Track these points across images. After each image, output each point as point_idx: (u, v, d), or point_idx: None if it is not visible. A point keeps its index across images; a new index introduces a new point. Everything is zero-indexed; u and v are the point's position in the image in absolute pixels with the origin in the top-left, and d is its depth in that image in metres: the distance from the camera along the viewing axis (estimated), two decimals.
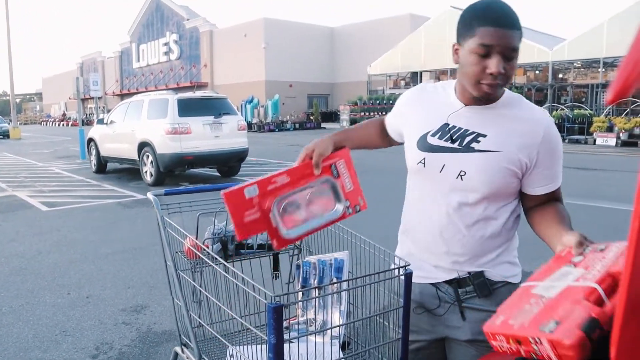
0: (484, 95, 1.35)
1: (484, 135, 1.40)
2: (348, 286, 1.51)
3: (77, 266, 4.98)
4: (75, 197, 8.97)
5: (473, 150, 1.40)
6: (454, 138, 1.43)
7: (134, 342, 3.35)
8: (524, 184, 1.44)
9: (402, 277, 1.40)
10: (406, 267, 1.40)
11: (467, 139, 1.41)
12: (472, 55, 1.31)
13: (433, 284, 1.51)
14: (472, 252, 1.45)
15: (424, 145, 1.47)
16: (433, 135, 1.46)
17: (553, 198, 1.46)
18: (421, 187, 1.51)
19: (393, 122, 1.67)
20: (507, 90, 1.45)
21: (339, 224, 1.74)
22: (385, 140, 1.74)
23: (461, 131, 1.42)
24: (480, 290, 1.45)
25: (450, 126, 1.44)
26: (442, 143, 1.44)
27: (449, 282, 1.49)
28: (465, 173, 1.40)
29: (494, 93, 1.35)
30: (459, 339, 1.49)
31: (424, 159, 1.46)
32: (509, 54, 1.29)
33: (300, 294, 1.72)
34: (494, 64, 1.29)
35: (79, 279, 4.60)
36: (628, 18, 19.51)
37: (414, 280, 1.46)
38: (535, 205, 1.47)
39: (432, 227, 1.47)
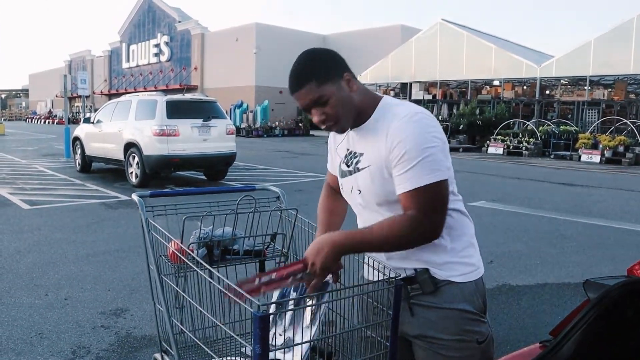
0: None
1: (362, 154, 1.53)
2: (337, 296, 1.48)
3: (57, 267, 4.88)
4: (58, 196, 8.82)
5: (358, 170, 1.54)
6: (348, 163, 1.59)
7: (112, 346, 3.26)
8: None
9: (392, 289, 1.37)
10: (396, 279, 1.37)
11: (355, 160, 1.56)
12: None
13: None
14: (402, 252, 1.48)
15: (339, 172, 1.65)
16: (343, 162, 1.62)
17: (406, 206, 1.39)
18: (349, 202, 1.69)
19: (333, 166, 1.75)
20: (383, 100, 1.52)
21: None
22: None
23: (352, 154, 1.58)
24: (424, 286, 1.49)
25: (348, 152, 1.60)
26: (346, 168, 1.60)
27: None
28: (360, 191, 1.55)
29: (336, 129, 1.52)
30: (409, 334, 1.54)
31: (342, 184, 1.65)
32: (315, 105, 1.45)
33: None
34: (313, 117, 1.49)
35: (58, 280, 4.50)
36: (613, 38, 19.94)
37: (368, 277, 1.54)
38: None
39: None
